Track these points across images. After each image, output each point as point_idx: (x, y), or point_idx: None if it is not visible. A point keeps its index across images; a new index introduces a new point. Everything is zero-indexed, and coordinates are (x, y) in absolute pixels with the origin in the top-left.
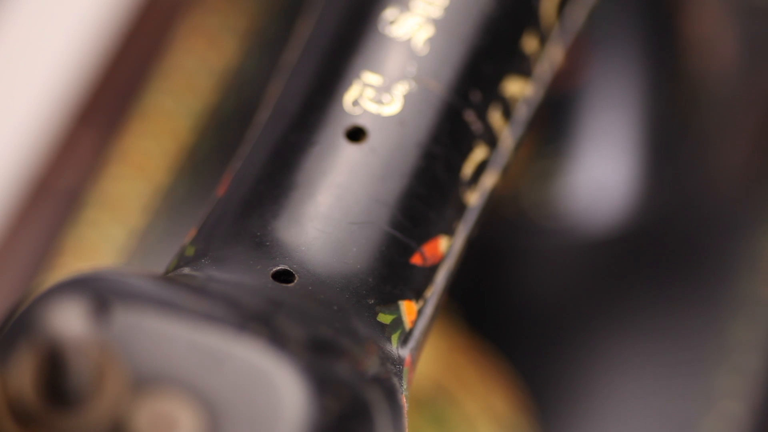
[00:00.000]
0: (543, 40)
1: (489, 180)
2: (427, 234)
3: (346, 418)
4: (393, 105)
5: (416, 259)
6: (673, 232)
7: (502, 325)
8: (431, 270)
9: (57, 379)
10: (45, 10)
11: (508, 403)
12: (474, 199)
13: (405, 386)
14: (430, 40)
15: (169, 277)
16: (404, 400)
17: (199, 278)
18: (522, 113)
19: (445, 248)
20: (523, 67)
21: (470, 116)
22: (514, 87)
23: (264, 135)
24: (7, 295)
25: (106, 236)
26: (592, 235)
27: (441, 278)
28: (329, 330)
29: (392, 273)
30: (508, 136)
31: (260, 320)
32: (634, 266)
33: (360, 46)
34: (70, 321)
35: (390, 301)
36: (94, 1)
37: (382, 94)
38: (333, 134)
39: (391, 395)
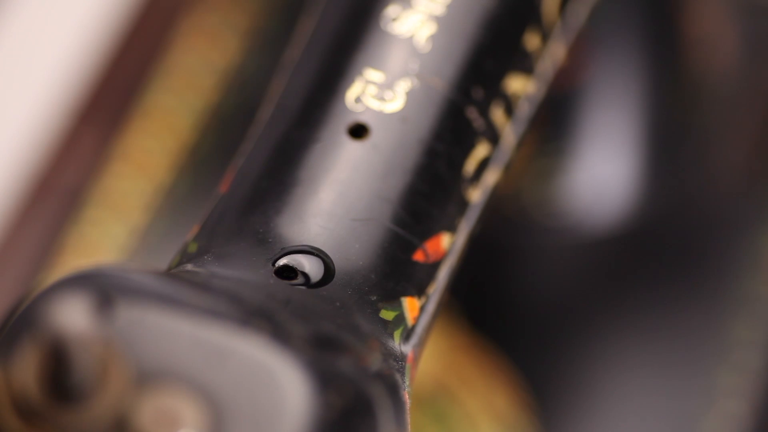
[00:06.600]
0: (545, 37)
1: (491, 177)
2: (429, 231)
3: (348, 414)
4: (395, 102)
5: (418, 256)
6: (674, 231)
7: (504, 324)
8: (433, 267)
9: (60, 375)
10: (46, 8)
11: (510, 401)
12: (476, 196)
13: (407, 382)
14: (433, 37)
15: (171, 274)
16: (407, 396)
17: (201, 274)
18: (524, 110)
19: (447, 245)
20: (525, 64)
21: (472, 113)
22: (516, 84)
23: (266, 132)
24: (9, 293)
25: (108, 234)
26: (593, 233)
27: (443, 275)
28: (332, 326)
29: (394, 269)
30: (510, 133)
31: (263, 316)
32: (635, 264)
33: (362, 43)
34: (73, 316)
35: (392, 298)
36: (95, 0)
37: (385, 91)
38: (335, 131)
39: (393, 391)
